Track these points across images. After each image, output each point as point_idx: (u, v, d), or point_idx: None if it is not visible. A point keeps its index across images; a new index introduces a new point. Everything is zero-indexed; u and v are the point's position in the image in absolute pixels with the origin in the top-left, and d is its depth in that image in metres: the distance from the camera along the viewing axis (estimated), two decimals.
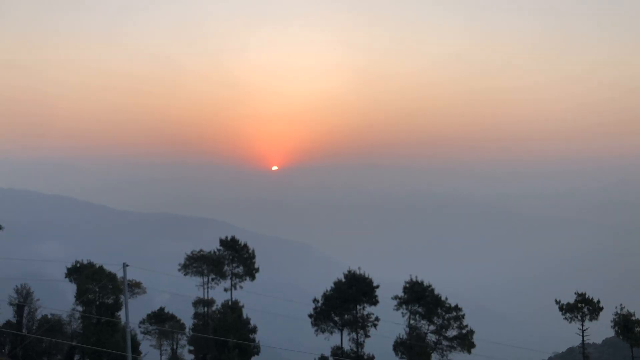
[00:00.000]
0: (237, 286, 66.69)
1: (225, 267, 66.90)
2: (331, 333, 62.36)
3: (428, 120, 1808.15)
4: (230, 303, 64.91)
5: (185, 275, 67.36)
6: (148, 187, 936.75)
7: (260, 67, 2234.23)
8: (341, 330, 61.96)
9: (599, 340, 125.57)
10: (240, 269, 66.96)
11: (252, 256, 67.34)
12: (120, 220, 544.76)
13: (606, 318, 59.08)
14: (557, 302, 60.85)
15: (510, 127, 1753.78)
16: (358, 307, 61.80)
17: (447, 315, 59.90)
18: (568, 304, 59.79)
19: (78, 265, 66.06)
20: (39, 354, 62.62)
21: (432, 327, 60.31)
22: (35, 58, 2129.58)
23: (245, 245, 67.85)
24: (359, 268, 63.59)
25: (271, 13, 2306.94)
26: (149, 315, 69.34)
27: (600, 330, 73.18)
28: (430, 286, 61.58)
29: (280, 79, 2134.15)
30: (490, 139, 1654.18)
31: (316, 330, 62.66)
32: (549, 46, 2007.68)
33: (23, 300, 63.80)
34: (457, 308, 60.23)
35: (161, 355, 69.04)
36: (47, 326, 62.19)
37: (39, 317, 64.38)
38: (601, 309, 59.01)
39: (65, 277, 66.43)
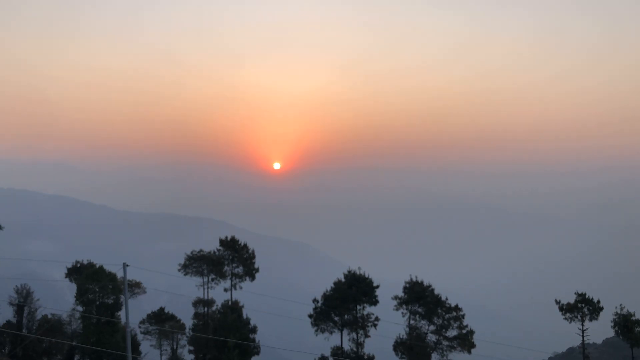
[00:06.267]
0: (237, 286, 66.75)
1: (225, 267, 66.96)
2: (331, 333, 62.37)
3: (428, 120, 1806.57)
4: (230, 303, 64.93)
5: (185, 275, 67.40)
6: (148, 187, 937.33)
7: (261, 67, 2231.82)
8: (341, 330, 61.96)
9: (599, 340, 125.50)
10: (240, 269, 67.01)
11: (251, 256, 67.42)
12: (121, 220, 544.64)
13: (606, 318, 59.06)
14: (557, 302, 60.83)
15: (509, 126, 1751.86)
16: (358, 307, 61.81)
17: (447, 315, 59.93)
18: (568, 304, 59.76)
19: (78, 265, 66.21)
20: (39, 354, 62.59)
21: (432, 327, 60.33)
22: (35, 58, 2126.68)
23: (245, 246, 67.93)
24: (359, 268, 63.69)
25: (273, 14, 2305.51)
26: (149, 315, 69.31)
27: (600, 330, 73.23)
28: (430, 286, 61.63)
29: (280, 80, 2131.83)
30: (489, 138, 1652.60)
31: (316, 330, 62.65)
32: (547, 44, 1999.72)
33: (23, 300, 63.78)
34: (457, 308, 60.27)
35: (161, 355, 69.04)
36: (47, 326, 62.18)
37: (39, 317, 64.33)
38: (601, 309, 58.97)
39: (66, 277, 66.58)
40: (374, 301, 61.74)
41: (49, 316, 64.87)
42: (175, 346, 68.55)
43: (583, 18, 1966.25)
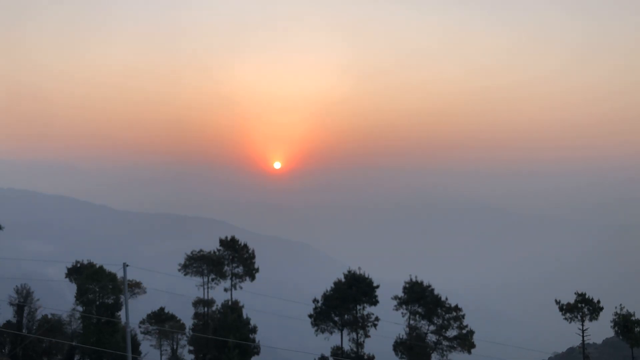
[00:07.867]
0: (237, 286, 66.82)
1: (225, 267, 67.02)
2: (331, 333, 62.39)
3: (429, 120, 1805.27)
4: (230, 303, 64.96)
5: (185, 275, 67.47)
6: (148, 187, 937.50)
7: (262, 67, 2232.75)
8: (341, 331, 61.98)
9: (599, 340, 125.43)
10: (240, 269, 67.08)
11: (252, 256, 67.49)
12: (121, 220, 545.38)
13: (606, 318, 59.06)
14: (557, 302, 60.82)
15: (510, 126, 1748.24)
16: (358, 307, 61.84)
17: (447, 315, 59.93)
18: (568, 304, 59.76)
19: (78, 265, 66.29)
20: (39, 354, 62.62)
21: (432, 327, 60.34)
22: (33, 57, 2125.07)
23: (245, 245, 67.99)
24: (359, 268, 63.69)
25: (274, 13, 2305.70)
26: (149, 315, 69.40)
27: (600, 330, 73.21)
28: (430, 286, 61.64)
29: (281, 80, 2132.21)
30: (491, 138, 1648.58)
31: (316, 330, 62.68)
32: (543, 40, 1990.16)
33: (23, 300, 63.82)
34: (457, 308, 60.27)
35: (161, 355, 69.09)
36: (47, 326, 62.24)
37: (39, 317, 64.40)
38: (601, 309, 58.96)
39: (66, 277, 66.68)
40: (374, 301, 61.76)
41: (49, 316, 64.93)
42: (175, 346, 68.61)
43: (577, 17, 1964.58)
